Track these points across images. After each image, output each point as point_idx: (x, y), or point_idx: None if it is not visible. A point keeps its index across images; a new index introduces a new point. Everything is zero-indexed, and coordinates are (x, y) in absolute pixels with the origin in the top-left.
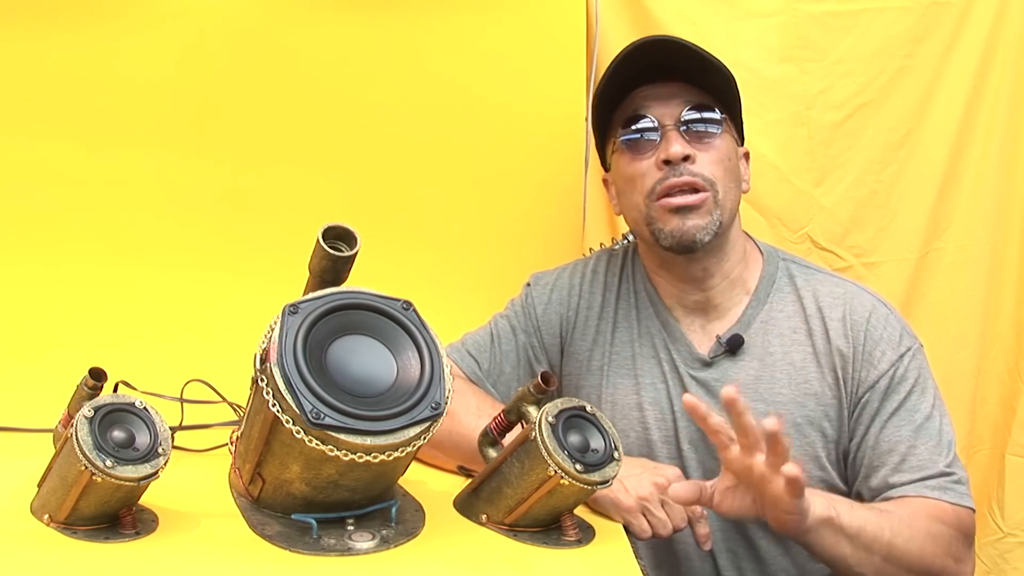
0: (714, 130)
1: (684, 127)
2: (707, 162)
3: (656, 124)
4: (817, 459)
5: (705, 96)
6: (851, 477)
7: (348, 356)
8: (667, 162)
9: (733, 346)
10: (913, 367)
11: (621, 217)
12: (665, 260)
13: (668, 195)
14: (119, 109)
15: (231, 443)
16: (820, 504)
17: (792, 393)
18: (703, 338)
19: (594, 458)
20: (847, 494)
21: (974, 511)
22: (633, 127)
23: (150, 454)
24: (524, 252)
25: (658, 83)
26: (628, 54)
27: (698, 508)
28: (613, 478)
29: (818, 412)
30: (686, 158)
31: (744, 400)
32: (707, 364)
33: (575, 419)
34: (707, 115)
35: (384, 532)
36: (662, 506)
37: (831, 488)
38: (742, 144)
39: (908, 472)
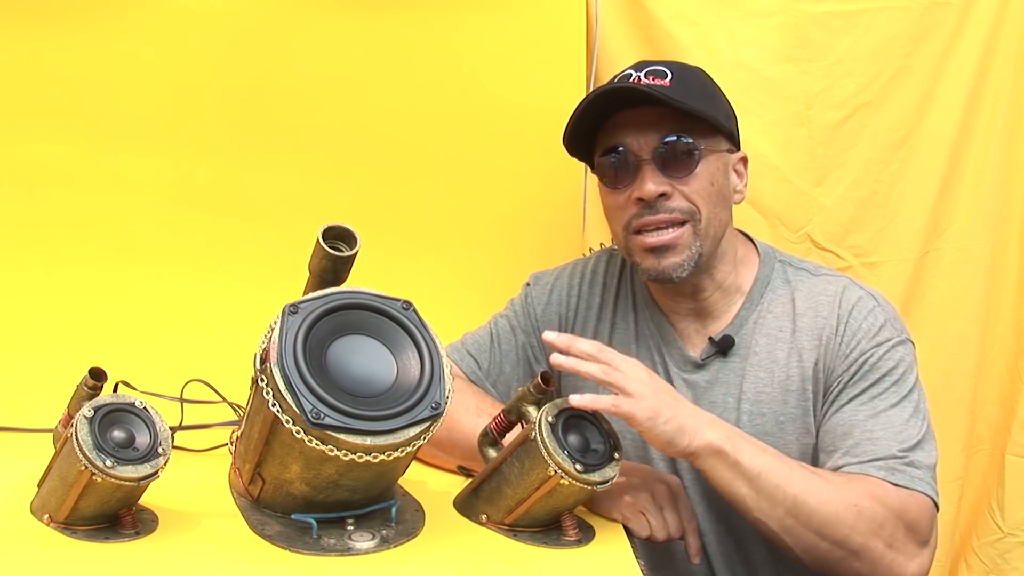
0: (692, 160)
1: (661, 159)
2: (686, 195)
3: (632, 157)
4: (804, 456)
5: (685, 121)
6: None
7: (348, 356)
8: (641, 199)
9: (724, 347)
10: (889, 357)
11: None
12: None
13: (644, 231)
14: (119, 110)
15: (231, 443)
16: (715, 434)
17: (775, 391)
18: (698, 340)
19: (594, 458)
20: None
21: (933, 501)
22: (609, 159)
23: (150, 454)
24: (524, 252)
25: (636, 107)
26: (594, 99)
27: (693, 522)
28: (613, 478)
29: (800, 408)
30: (662, 194)
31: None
32: (699, 366)
33: (575, 419)
34: (685, 145)
35: (384, 532)
36: (661, 511)
37: None
38: (738, 148)
39: (858, 456)
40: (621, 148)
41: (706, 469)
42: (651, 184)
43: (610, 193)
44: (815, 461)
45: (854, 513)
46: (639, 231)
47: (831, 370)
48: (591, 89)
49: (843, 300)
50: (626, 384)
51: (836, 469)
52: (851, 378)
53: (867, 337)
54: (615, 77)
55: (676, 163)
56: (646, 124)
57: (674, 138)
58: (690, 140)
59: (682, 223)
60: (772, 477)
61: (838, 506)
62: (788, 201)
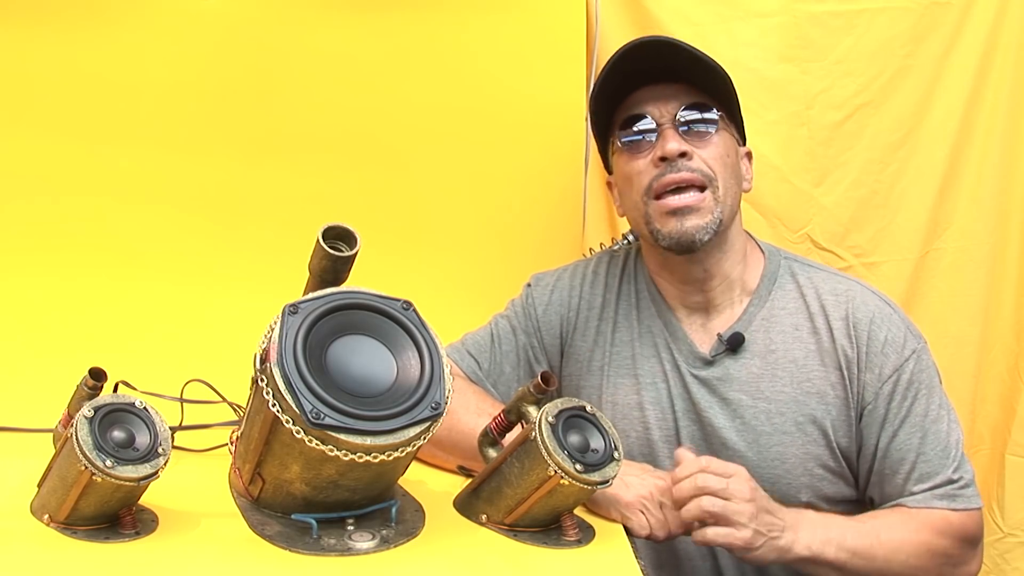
0: (711, 127)
1: (682, 125)
2: (706, 158)
3: (653, 123)
4: (818, 457)
5: (702, 95)
6: (861, 481)
7: (348, 356)
8: (664, 159)
9: (734, 344)
10: (918, 370)
11: (621, 218)
12: (666, 261)
13: (665, 195)
14: (120, 111)
15: (231, 443)
16: (803, 543)
17: (794, 391)
18: (704, 337)
19: (594, 458)
20: (854, 492)
21: (980, 508)
22: (631, 127)
23: (150, 454)
24: (524, 252)
25: (655, 84)
26: (624, 54)
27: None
28: (613, 478)
29: (820, 410)
30: (683, 155)
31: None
32: (708, 362)
33: (575, 419)
34: (704, 113)
35: (384, 532)
36: (660, 508)
37: (835, 487)
38: (744, 144)
39: (918, 481)
40: (643, 115)
41: (796, 567)
42: (673, 142)
43: (630, 160)
44: (835, 461)
45: (928, 556)
46: (660, 196)
47: (864, 384)
48: (591, 89)
49: (860, 306)
50: (729, 515)
51: (898, 495)
52: (890, 399)
53: (895, 351)
54: (624, 47)
55: (696, 129)
56: (666, 95)
57: (693, 105)
58: (708, 108)
59: (702, 188)
60: (857, 560)
61: (915, 558)
62: (788, 201)
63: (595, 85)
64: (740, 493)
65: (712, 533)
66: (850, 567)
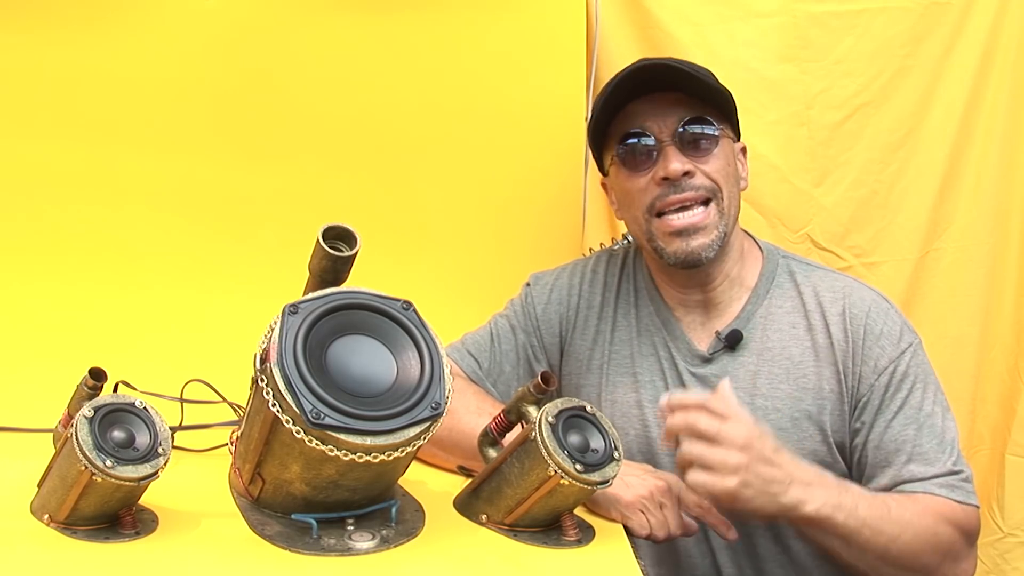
0: (712, 141)
1: (681, 141)
2: (709, 172)
3: (653, 139)
4: (815, 453)
5: (700, 106)
6: (855, 474)
7: (348, 356)
8: (666, 179)
9: (732, 341)
10: (914, 363)
11: (620, 220)
12: (666, 266)
13: (668, 213)
14: (120, 112)
15: (231, 443)
16: (812, 504)
17: (789, 388)
18: (703, 335)
19: (594, 458)
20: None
21: (979, 508)
22: (630, 142)
23: (150, 454)
24: (524, 252)
25: (653, 94)
26: (622, 79)
27: (704, 503)
28: (613, 478)
29: (815, 407)
30: (685, 173)
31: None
32: (707, 360)
33: (575, 419)
34: (705, 127)
35: (384, 532)
36: (660, 508)
37: None
38: (739, 139)
39: (916, 471)
40: (641, 131)
41: (800, 529)
42: (676, 162)
43: (630, 177)
44: (831, 456)
45: (934, 543)
46: (662, 213)
47: (860, 376)
48: (591, 89)
49: (857, 301)
50: (713, 462)
51: (898, 483)
52: (885, 390)
53: (891, 343)
54: (619, 74)
55: (696, 143)
56: (664, 109)
57: (693, 120)
58: (708, 121)
59: (706, 201)
60: (865, 532)
61: (921, 541)
62: (788, 201)
63: (594, 110)
64: (732, 439)
65: (691, 477)
66: (857, 538)
